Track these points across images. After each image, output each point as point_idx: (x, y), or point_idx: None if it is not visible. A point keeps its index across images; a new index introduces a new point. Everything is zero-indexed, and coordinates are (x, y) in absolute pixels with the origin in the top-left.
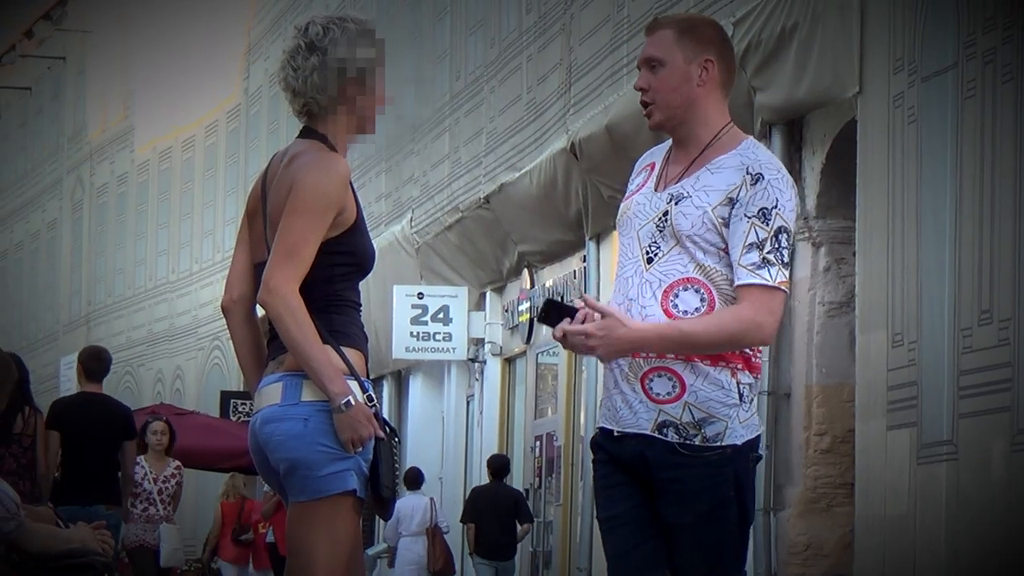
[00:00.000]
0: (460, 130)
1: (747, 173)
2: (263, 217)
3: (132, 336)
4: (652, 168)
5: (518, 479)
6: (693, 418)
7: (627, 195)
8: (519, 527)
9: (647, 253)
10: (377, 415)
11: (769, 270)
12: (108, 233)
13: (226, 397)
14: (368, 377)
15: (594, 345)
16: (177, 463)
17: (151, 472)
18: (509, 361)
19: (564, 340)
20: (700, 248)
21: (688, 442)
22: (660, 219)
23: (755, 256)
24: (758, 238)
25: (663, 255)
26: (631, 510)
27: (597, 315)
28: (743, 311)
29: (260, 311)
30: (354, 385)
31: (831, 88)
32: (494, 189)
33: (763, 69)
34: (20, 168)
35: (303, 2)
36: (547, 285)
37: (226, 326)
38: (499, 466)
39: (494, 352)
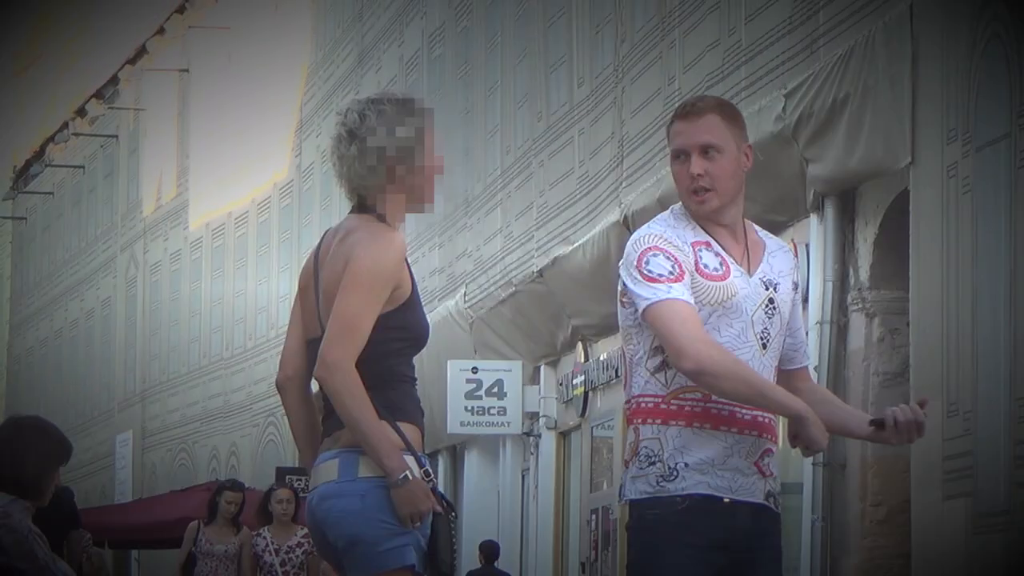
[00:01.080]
0: (512, 204)
1: (794, 256)
2: (315, 293)
3: (187, 413)
4: (708, 247)
5: (574, 553)
6: (778, 488)
7: (714, 274)
8: None
9: (761, 339)
10: (435, 490)
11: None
12: (162, 310)
13: (281, 473)
14: (424, 452)
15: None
16: (305, 531)
17: (273, 543)
18: (564, 435)
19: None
20: (787, 333)
21: (777, 509)
22: (767, 306)
23: (803, 336)
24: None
25: (772, 340)
26: None
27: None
28: (806, 385)
29: (314, 387)
30: (411, 460)
31: (883, 159)
32: (547, 263)
33: (815, 140)
34: (74, 246)
35: (354, 79)
36: (602, 359)
37: (281, 403)
38: (490, 551)
39: (549, 426)
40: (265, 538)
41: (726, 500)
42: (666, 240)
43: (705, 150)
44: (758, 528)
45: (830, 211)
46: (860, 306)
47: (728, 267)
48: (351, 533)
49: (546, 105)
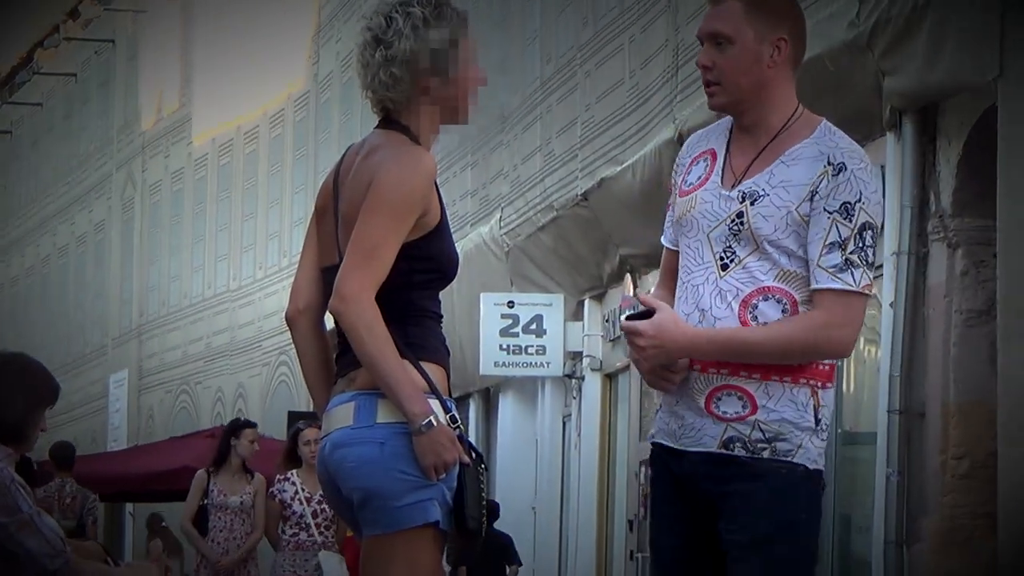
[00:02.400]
0: (553, 119)
1: (828, 163)
2: (335, 216)
3: (189, 351)
4: (712, 157)
5: (620, 509)
6: (763, 436)
7: (686, 187)
8: (508, 569)
9: (721, 259)
10: (462, 438)
11: (852, 273)
12: (162, 236)
13: (294, 418)
14: (451, 396)
15: (643, 345)
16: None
17: (304, 490)
18: (610, 377)
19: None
20: (784, 252)
21: (756, 455)
22: (734, 221)
23: (837, 257)
24: (840, 236)
25: (740, 261)
26: (683, 543)
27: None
28: (816, 319)
29: (330, 322)
30: (435, 404)
31: (969, 71)
32: (592, 185)
33: (893, 50)
34: (64, 164)
35: None
36: (652, 292)
37: (291, 339)
38: (488, 511)
39: (593, 367)
40: (295, 484)
41: (676, 448)
42: (680, 156)
43: (715, 39)
44: (718, 474)
45: (908, 129)
46: (942, 235)
47: (708, 179)
48: (368, 485)
49: (592, 8)
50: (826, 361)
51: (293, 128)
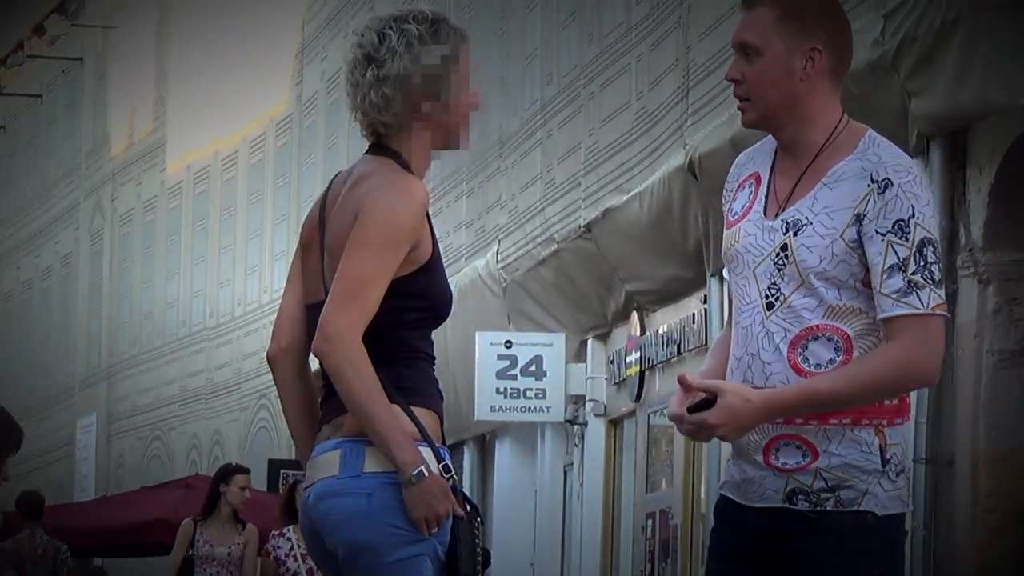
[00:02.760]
0: (554, 145)
1: (871, 180)
2: (321, 249)
3: (162, 394)
4: (757, 181)
5: (626, 564)
6: (826, 484)
7: (732, 218)
8: None
9: (766, 297)
10: (455, 489)
11: (918, 294)
12: (133, 269)
13: (275, 466)
14: (444, 443)
15: (722, 434)
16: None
17: (299, 547)
18: (615, 423)
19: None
20: (832, 286)
21: (819, 507)
22: (779, 255)
23: (898, 280)
24: (898, 258)
25: (784, 299)
26: None
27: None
28: (891, 352)
29: (314, 363)
30: (427, 452)
31: (1001, 93)
32: (596, 215)
33: (920, 71)
34: (29, 191)
35: None
36: (661, 331)
37: (273, 381)
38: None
39: (597, 412)
40: (290, 540)
41: (741, 503)
42: (728, 180)
43: (744, 49)
44: (782, 530)
45: (937, 155)
46: (972, 270)
47: (751, 208)
48: (354, 539)
49: (597, 25)
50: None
51: (275, 154)
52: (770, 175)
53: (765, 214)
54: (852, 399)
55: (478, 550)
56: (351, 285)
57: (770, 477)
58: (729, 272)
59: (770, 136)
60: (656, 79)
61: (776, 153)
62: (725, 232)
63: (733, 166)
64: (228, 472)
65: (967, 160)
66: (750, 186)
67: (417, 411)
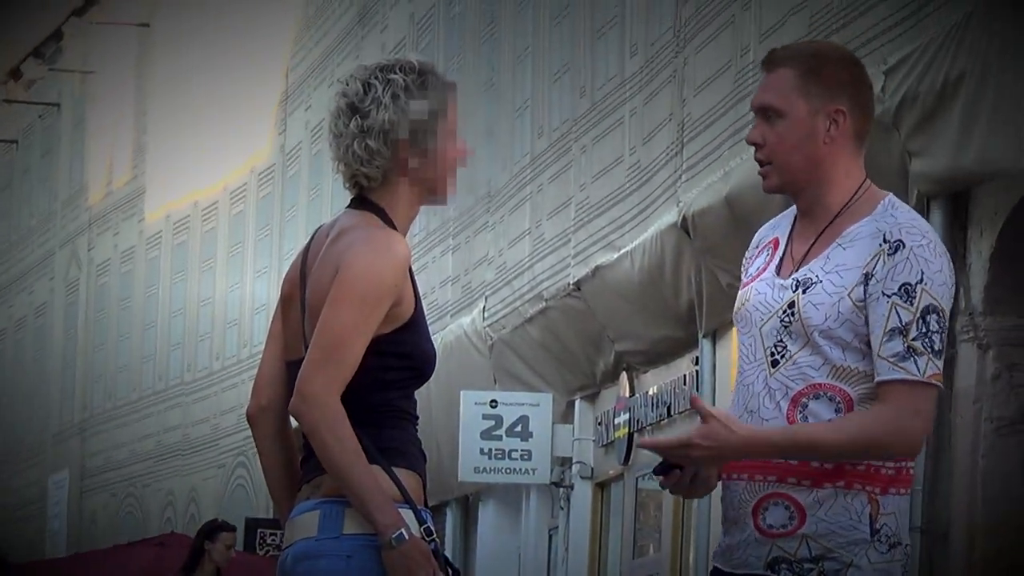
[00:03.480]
0: (544, 200)
1: (884, 241)
2: (301, 305)
3: (137, 449)
4: (775, 245)
5: None
6: (810, 553)
7: (746, 280)
8: None
9: (772, 355)
10: (437, 552)
11: (916, 361)
12: (109, 321)
13: (252, 526)
14: (426, 505)
15: (696, 456)
16: None
17: None
18: (602, 486)
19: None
20: (838, 345)
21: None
22: (786, 312)
23: (898, 345)
24: (901, 322)
25: (790, 356)
26: None
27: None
28: (882, 415)
29: (295, 420)
30: (408, 515)
31: (1004, 154)
32: (586, 273)
33: (921, 129)
34: (2, 241)
35: (353, 41)
36: (650, 393)
37: (253, 439)
38: None
39: (584, 475)
40: None
41: (726, 571)
42: (749, 248)
43: (765, 112)
44: None
45: (937, 217)
46: (971, 335)
47: (766, 269)
48: None
49: (590, 78)
50: (888, 464)
51: (256, 205)
52: (788, 238)
53: (779, 274)
54: (836, 451)
55: None
56: (330, 344)
57: (754, 543)
58: (738, 333)
59: (792, 210)
60: (649, 134)
61: (796, 217)
62: (739, 292)
63: (756, 235)
64: (215, 529)
65: (968, 222)
66: (768, 250)
67: (399, 472)
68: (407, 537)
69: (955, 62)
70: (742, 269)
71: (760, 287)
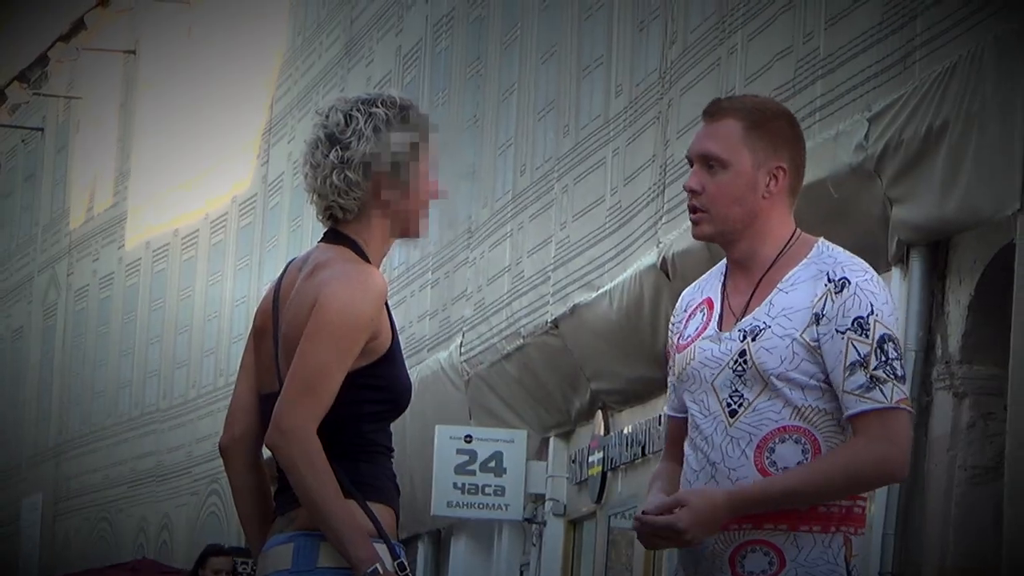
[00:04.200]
0: (524, 237)
1: (828, 280)
2: (275, 338)
3: (111, 475)
4: (710, 305)
5: None
6: None
7: (683, 341)
8: None
9: (729, 405)
10: None
11: (881, 389)
12: (87, 347)
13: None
14: (399, 539)
15: (689, 539)
16: None
17: None
18: (575, 524)
19: (645, 537)
20: (796, 386)
21: None
22: (737, 362)
23: (861, 377)
24: (860, 355)
25: (749, 404)
26: None
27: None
28: (858, 447)
29: (267, 451)
30: (382, 550)
31: (986, 204)
32: (564, 311)
33: (903, 177)
34: None
35: (339, 73)
36: (625, 432)
37: (224, 470)
38: None
39: (557, 512)
40: None
41: None
42: (675, 314)
43: (707, 161)
44: None
45: (916, 265)
46: (948, 383)
47: (706, 327)
48: None
49: (574, 117)
50: (859, 504)
51: (236, 234)
52: (723, 294)
53: (720, 328)
54: (817, 495)
55: None
56: (306, 378)
57: None
58: (684, 393)
59: (717, 265)
60: (632, 174)
61: (726, 273)
62: (676, 356)
63: (679, 300)
64: (207, 554)
65: (948, 271)
66: (702, 311)
67: (374, 507)
68: (381, 572)
69: (939, 111)
70: (671, 333)
71: (704, 344)
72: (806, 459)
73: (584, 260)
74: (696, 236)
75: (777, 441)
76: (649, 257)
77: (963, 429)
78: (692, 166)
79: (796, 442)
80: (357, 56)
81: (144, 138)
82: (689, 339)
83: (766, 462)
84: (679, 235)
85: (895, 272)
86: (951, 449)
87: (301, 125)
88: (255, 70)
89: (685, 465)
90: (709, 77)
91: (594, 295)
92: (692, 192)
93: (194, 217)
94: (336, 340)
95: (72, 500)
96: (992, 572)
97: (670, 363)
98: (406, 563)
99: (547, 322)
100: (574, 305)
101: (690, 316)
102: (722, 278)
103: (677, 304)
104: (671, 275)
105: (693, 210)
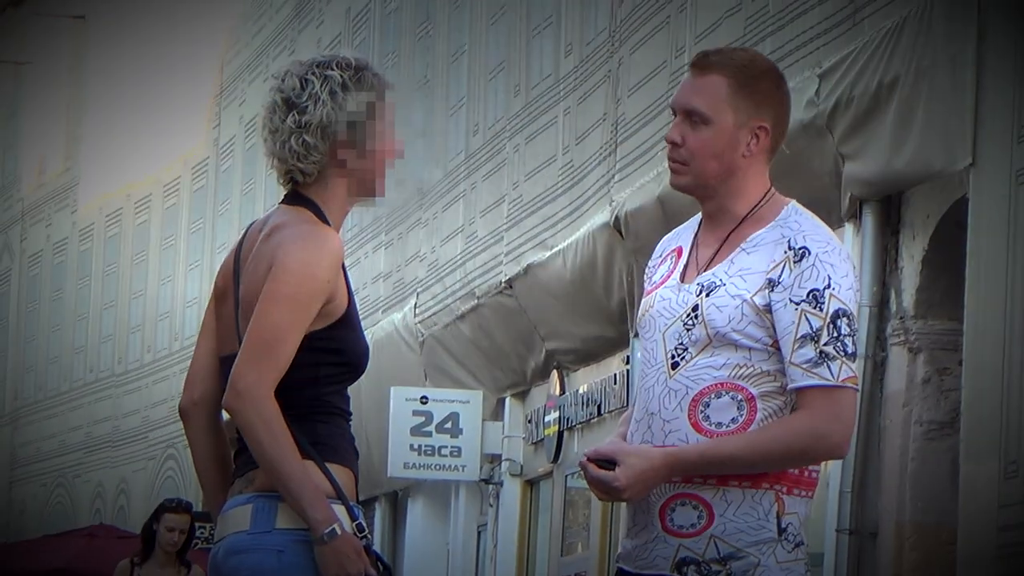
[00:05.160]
0: (477, 197)
1: (789, 248)
2: (235, 300)
3: (67, 440)
4: (679, 254)
5: None
6: (718, 553)
7: (649, 288)
8: None
9: (672, 357)
10: (368, 548)
11: (829, 366)
12: (41, 312)
13: None
14: (357, 501)
15: (627, 497)
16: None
17: None
18: (531, 483)
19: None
20: (741, 347)
21: None
22: (689, 316)
23: (810, 351)
24: (811, 328)
25: (691, 358)
26: None
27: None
28: (798, 422)
29: (227, 414)
30: (340, 510)
31: (937, 158)
32: (518, 271)
33: (855, 133)
34: None
35: (289, 36)
36: (581, 392)
37: (184, 431)
38: None
39: (513, 472)
40: None
41: (632, 572)
42: (651, 258)
43: (689, 115)
44: None
45: (869, 220)
46: (902, 339)
47: (670, 276)
48: None
49: (525, 77)
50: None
51: (190, 198)
52: (693, 245)
53: (683, 280)
54: (755, 465)
55: None
56: (263, 340)
57: (661, 543)
58: (641, 339)
59: (696, 215)
60: (583, 133)
61: (700, 225)
62: (643, 301)
63: (658, 246)
64: (160, 510)
65: (901, 226)
66: (672, 258)
67: (332, 468)
68: (339, 533)
69: (889, 66)
70: (645, 278)
71: (664, 293)
72: (740, 416)
73: (537, 219)
74: (673, 184)
75: (713, 396)
76: (602, 216)
77: (918, 384)
78: (675, 116)
79: (732, 399)
80: (307, 19)
81: (95, 104)
82: (654, 286)
83: (700, 416)
84: (631, 193)
85: (848, 228)
86: (906, 405)
87: (252, 88)
88: (205, 33)
89: (633, 410)
90: (659, 35)
91: (547, 254)
92: (672, 144)
93: (147, 182)
94: (293, 301)
95: (28, 467)
96: (949, 526)
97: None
98: (364, 524)
99: (501, 282)
100: (528, 265)
101: (662, 262)
102: (696, 229)
103: (655, 249)
104: (624, 233)
105: (672, 160)
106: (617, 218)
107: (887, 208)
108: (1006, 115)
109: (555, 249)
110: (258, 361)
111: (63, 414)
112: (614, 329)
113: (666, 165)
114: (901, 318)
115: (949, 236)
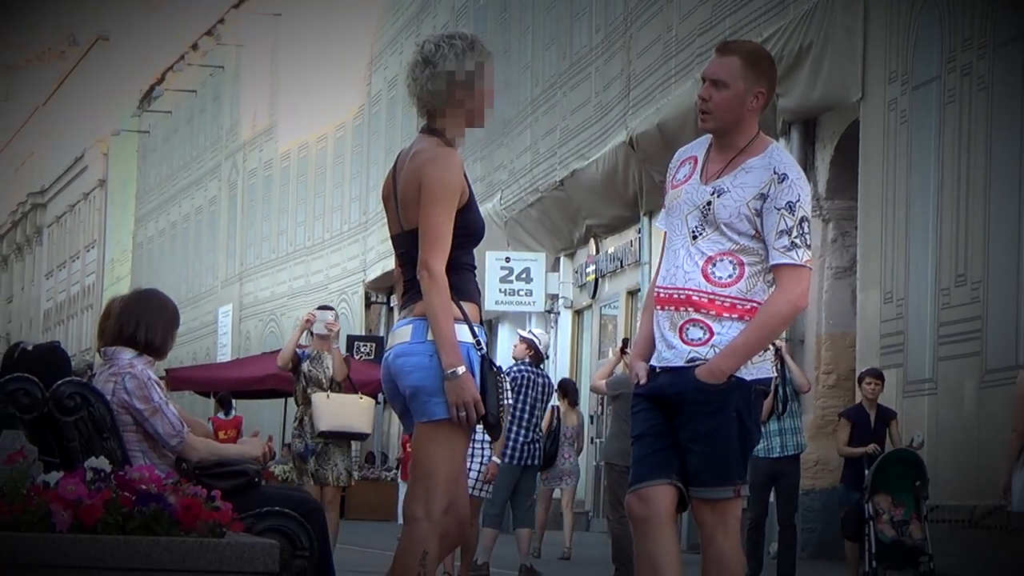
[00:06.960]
0: (539, 127)
1: (774, 173)
2: (395, 201)
3: (276, 291)
4: (695, 162)
5: (585, 407)
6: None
7: (675, 183)
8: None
9: (693, 232)
10: (486, 357)
11: (797, 252)
12: (257, 208)
13: (351, 340)
14: (481, 323)
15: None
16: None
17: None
18: (578, 313)
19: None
20: (736, 232)
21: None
22: (704, 207)
23: (785, 241)
24: (787, 226)
25: (706, 235)
26: (652, 427)
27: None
28: (775, 296)
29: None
30: (464, 329)
31: (838, 94)
32: (567, 174)
33: (784, 78)
34: (187, 155)
35: (417, 22)
36: (610, 252)
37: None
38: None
39: (566, 305)
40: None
41: (657, 369)
42: (672, 161)
43: (715, 82)
44: (680, 387)
45: (795, 135)
46: (818, 213)
47: (691, 177)
48: (416, 383)
49: (569, 46)
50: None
51: (352, 131)
52: (705, 159)
53: (701, 181)
54: (761, 337)
55: (500, 398)
56: (434, 234)
57: (678, 349)
58: (667, 217)
59: (703, 137)
60: (608, 82)
61: (710, 147)
62: (670, 191)
63: (676, 155)
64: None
65: (816, 139)
66: (690, 164)
67: (464, 304)
68: (460, 374)
69: (806, 34)
70: (668, 175)
71: (688, 189)
72: (735, 271)
73: (579, 141)
74: (701, 128)
75: (718, 260)
76: (620, 137)
77: (829, 243)
78: (704, 83)
79: (730, 262)
80: (427, 12)
81: (288, 73)
82: (679, 182)
83: (709, 270)
84: (640, 121)
85: (781, 141)
86: (821, 256)
87: (392, 58)
88: (360, 25)
89: (662, 266)
90: (657, 17)
91: (586, 163)
92: (703, 100)
93: (324, 126)
94: (443, 204)
95: (251, 308)
96: (850, 335)
97: (665, 196)
98: (482, 340)
99: (556, 182)
100: (573, 170)
101: (681, 165)
102: (706, 148)
103: (673, 157)
104: (635, 148)
105: (702, 112)
106: (631, 139)
107: (807, 127)
108: (883, 65)
109: (591, 159)
110: (435, 248)
111: (272, 274)
112: (630, 210)
113: (664, 102)
114: (817, 199)
115: (847, 145)
